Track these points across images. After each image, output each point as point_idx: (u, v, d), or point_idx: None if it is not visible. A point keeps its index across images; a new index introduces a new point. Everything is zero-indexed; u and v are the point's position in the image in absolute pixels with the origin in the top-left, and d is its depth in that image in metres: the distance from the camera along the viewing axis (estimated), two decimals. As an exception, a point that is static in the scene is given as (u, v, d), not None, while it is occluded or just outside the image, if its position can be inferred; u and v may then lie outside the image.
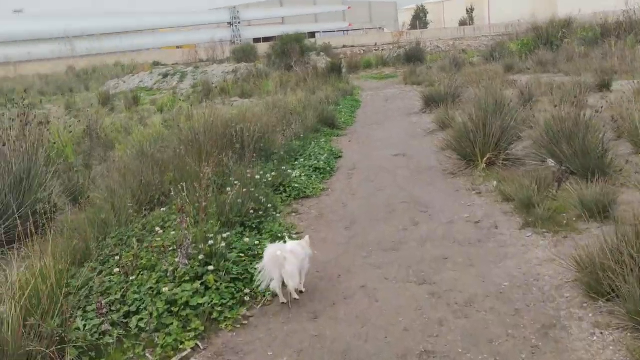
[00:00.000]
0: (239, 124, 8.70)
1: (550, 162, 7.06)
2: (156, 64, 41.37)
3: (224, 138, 8.23)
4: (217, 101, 19.45)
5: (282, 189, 7.26)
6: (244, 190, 5.96)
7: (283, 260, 4.24)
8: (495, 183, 6.93)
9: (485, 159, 7.58)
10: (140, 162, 7.47)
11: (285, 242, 4.64)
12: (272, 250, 4.36)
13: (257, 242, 5.12)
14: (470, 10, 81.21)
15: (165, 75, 32.61)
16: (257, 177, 6.88)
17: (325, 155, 9.22)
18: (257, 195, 6.09)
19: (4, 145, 6.26)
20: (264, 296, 4.40)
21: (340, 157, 9.65)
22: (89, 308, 4.04)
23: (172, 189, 6.33)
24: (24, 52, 57.34)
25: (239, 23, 66.49)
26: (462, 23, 75.80)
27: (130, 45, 61.32)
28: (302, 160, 8.81)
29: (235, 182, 6.40)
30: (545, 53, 22.82)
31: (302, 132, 10.67)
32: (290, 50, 30.42)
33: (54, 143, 9.55)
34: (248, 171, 6.90)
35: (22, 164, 6.52)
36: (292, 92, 17.83)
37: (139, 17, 65.53)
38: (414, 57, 32.27)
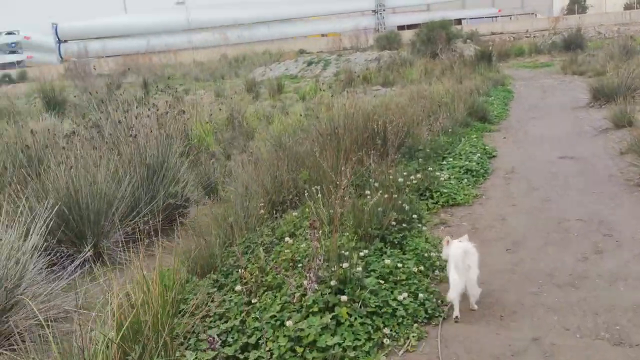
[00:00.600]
0: (381, 117, 7.86)
1: None
2: (302, 52, 41.74)
3: (365, 133, 7.42)
4: (359, 90, 18.76)
5: (427, 193, 6.30)
6: (386, 196, 5.10)
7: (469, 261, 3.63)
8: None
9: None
10: (277, 156, 6.91)
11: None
12: (462, 247, 3.72)
13: (399, 264, 4.24)
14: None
15: (310, 63, 32.63)
16: (400, 179, 5.99)
17: (478, 154, 8.07)
18: (400, 202, 5.21)
19: (135, 136, 5.92)
20: (408, 338, 3.52)
21: (494, 156, 8.43)
22: (202, 336, 3.44)
23: (306, 189, 5.66)
24: (184, 40, 61.11)
25: (383, 10, 65.43)
26: (628, 7, 68.52)
27: (279, 33, 62.85)
28: (451, 159, 7.75)
29: (375, 184, 5.58)
30: None
31: (450, 126, 9.57)
32: (435, 37, 29.02)
33: (194, 132, 9.37)
34: (390, 171, 6.04)
35: (156, 155, 6.21)
36: (438, 81, 16.63)
37: (287, 5, 66.90)
38: (573, 44, 29.35)
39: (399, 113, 8.81)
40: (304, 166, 6.57)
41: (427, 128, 9.35)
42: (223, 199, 6.71)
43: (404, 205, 5.24)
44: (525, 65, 27.67)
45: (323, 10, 69.28)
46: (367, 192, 5.32)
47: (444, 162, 7.62)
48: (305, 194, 5.51)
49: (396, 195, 5.31)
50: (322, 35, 59.06)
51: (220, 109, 12.22)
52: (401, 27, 57.67)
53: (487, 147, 8.72)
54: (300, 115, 11.44)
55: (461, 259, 3.67)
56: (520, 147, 9.10)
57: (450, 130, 9.37)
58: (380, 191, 5.13)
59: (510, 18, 70.88)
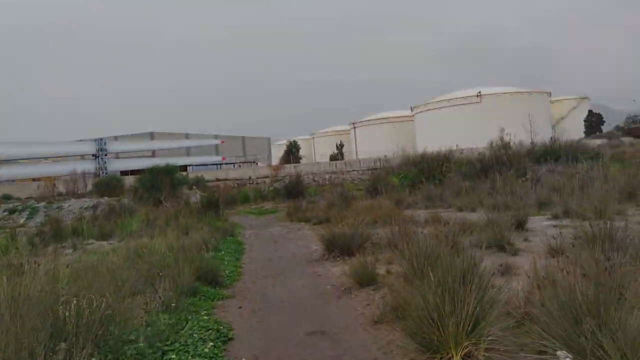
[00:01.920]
0: (73, 297, 5.44)
1: (564, 356, 4.54)
2: (7, 197, 36.08)
3: (42, 329, 4.87)
4: (67, 244, 15.66)
5: None
6: None
7: None
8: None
9: (462, 351, 4.91)
10: None
11: None
12: None
13: None
14: (340, 146, 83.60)
15: (12, 211, 27.94)
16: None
17: (210, 342, 6.04)
18: None
19: None
20: None
21: (231, 339, 6.50)
22: None
23: None
24: None
25: (105, 155, 62.27)
26: (333, 157, 77.34)
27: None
28: (174, 355, 5.58)
29: None
30: (431, 187, 21.77)
31: (174, 298, 7.46)
32: (160, 183, 27.39)
33: None
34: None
35: None
36: (161, 232, 14.61)
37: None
38: (294, 190, 30.45)
39: (107, 284, 6.49)
40: None
41: (143, 303, 7.12)
42: None
43: None
44: (252, 211, 27.52)
45: (38, 153, 63.13)
46: None
47: (164, 361, 5.39)
48: None
49: None
50: (34, 179, 52.90)
51: None
52: (125, 173, 55.11)
53: (221, 327, 6.75)
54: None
55: None
56: (260, 320, 7.37)
57: (174, 304, 7.25)
58: None
59: (234, 165, 73.94)
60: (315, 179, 48.07)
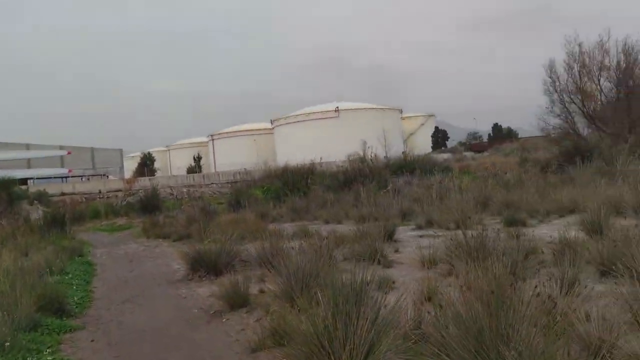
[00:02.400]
0: None
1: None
2: None
3: None
4: None
5: None
6: None
7: None
8: None
9: (356, 380, 4.41)
10: None
11: None
12: None
13: None
14: (198, 158, 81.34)
15: None
16: None
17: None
18: None
19: None
20: None
21: (82, 382, 5.47)
22: None
23: None
24: None
25: None
26: (190, 170, 74.96)
27: None
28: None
29: None
30: (296, 200, 21.53)
31: (8, 335, 6.19)
32: (-7, 198, 24.44)
33: None
34: None
35: None
36: (-5, 255, 12.68)
37: None
38: (150, 204, 28.68)
39: None
40: None
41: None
42: None
43: None
44: (103, 228, 25.41)
45: None
46: None
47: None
48: None
49: None
50: None
51: None
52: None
53: (69, 368, 5.68)
54: None
55: None
56: (118, 355, 6.35)
57: (8, 343, 5.99)
58: None
59: (82, 179, 68.75)
60: (173, 192, 46.03)
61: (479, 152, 66.01)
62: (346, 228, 15.07)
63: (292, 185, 23.48)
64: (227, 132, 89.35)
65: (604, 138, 24.39)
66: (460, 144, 78.65)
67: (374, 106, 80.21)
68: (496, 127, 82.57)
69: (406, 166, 27.38)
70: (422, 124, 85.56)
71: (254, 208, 21.47)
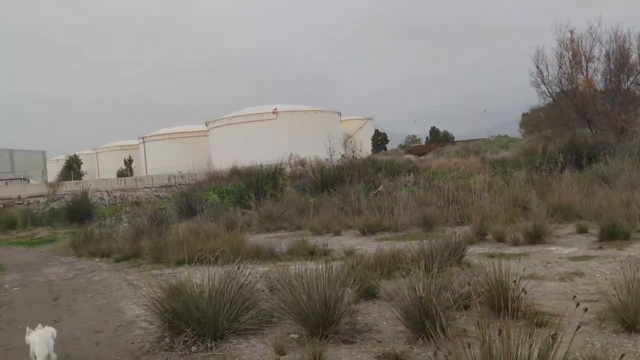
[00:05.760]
0: None
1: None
2: None
3: None
4: None
5: None
6: None
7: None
8: None
9: None
10: None
11: None
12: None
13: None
14: (129, 161, 74.49)
15: None
16: None
17: None
18: None
19: None
20: None
21: None
22: None
23: None
24: None
25: None
26: (121, 174, 68.27)
27: None
28: None
29: None
30: (268, 204, 17.03)
31: None
32: None
33: None
34: None
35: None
36: None
37: None
38: (79, 211, 23.24)
39: None
40: None
41: None
42: None
43: None
44: (20, 241, 19.83)
45: None
46: None
47: None
48: None
49: None
50: None
51: None
52: None
53: None
54: None
55: None
56: None
57: None
58: None
59: (3, 183, 60.57)
60: (103, 197, 40.09)
61: (420, 154, 63.49)
62: (363, 242, 10.86)
63: (256, 187, 18.95)
64: (159, 135, 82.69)
65: (600, 134, 21.45)
66: (401, 146, 76.11)
67: (313, 108, 76.25)
68: (434, 131, 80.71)
69: (370, 166, 23.28)
70: (360, 127, 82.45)
71: (212, 214, 16.82)
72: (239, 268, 5.98)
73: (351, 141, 74.28)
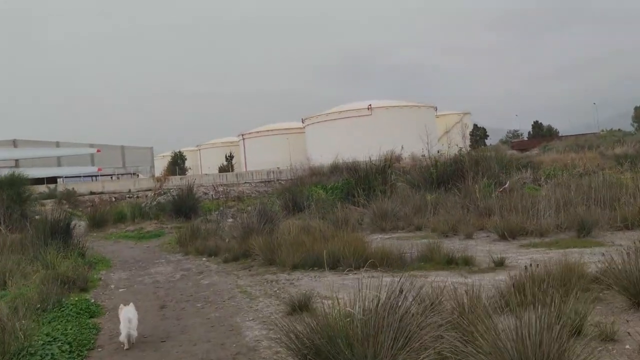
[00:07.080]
0: None
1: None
2: None
3: None
4: None
5: None
6: None
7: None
8: None
9: None
10: None
11: None
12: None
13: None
14: (229, 157, 75.79)
15: None
16: None
17: None
18: None
19: None
20: None
21: None
22: None
23: None
24: None
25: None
26: (222, 169, 69.38)
27: None
28: None
29: None
30: (380, 201, 15.35)
31: None
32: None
33: None
34: None
35: None
36: None
37: None
38: (185, 206, 22.76)
39: None
40: None
41: None
42: None
43: None
44: (128, 235, 19.54)
45: None
46: None
47: None
48: None
49: None
50: None
51: None
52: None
53: None
54: None
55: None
56: None
57: None
58: None
59: (112, 177, 63.45)
60: (207, 191, 40.26)
61: (523, 150, 59.27)
62: (506, 249, 8.93)
63: (365, 183, 17.36)
64: (257, 132, 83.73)
65: None
66: (502, 142, 71.71)
67: (408, 104, 73.64)
68: (536, 125, 75.32)
69: (485, 162, 20.87)
70: (457, 122, 78.73)
71: (321, 211, 15.41)
72: (401, 285, 4.33)
73: (447, 137, 71.11)
